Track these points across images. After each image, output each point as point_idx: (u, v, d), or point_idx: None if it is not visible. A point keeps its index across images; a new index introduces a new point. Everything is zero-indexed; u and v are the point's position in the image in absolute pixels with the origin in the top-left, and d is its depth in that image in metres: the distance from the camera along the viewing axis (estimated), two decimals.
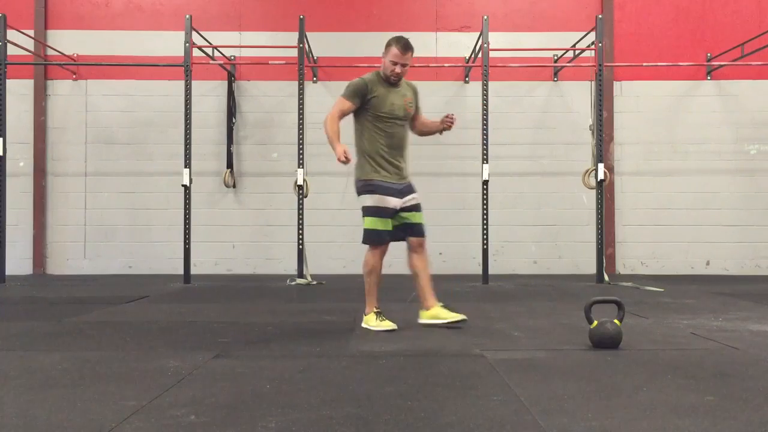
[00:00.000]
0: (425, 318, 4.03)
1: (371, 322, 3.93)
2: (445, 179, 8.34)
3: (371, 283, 3.98)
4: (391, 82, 3.96)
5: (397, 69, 3.91)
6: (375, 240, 3.93)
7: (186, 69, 7.01)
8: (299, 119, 7.11)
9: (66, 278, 7.73)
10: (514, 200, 8.36)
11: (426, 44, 8.45)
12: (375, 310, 3.97)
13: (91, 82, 8.40)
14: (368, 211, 3.92)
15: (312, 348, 3.34)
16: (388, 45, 3.92)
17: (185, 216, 6.99)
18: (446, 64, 8.17)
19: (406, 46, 3.90)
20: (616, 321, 3.32)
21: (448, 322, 3.94)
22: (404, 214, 4.01)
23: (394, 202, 3.93)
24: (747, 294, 5.92)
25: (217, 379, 2.67)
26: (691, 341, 3.54)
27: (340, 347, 3.36)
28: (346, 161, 3.79)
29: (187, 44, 7.03)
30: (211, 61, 7.98)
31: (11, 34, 7.40)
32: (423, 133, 4.33)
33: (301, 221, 7.05)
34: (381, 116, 3.93)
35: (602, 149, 7.21)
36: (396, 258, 8.27)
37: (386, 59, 3.92)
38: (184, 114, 7.03)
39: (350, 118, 4.02)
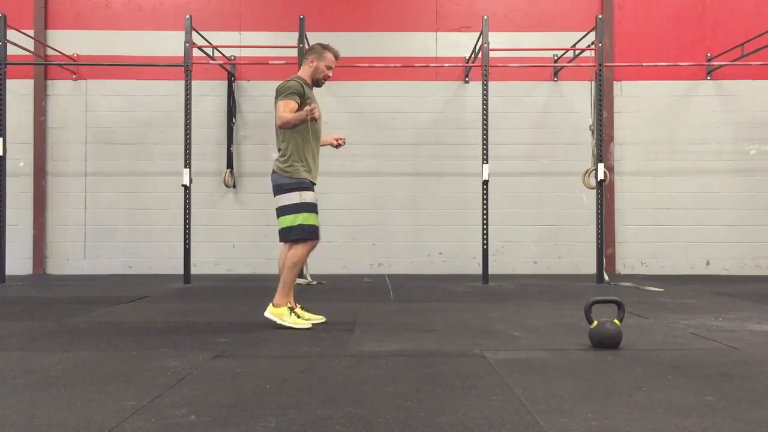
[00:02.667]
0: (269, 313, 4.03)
1: (286, 318, 3.94)
2: (445, 179, 8.35)
3: (294, 277, 4.04)
4: (320, 85, 4.21)
5: (330, 73, 4.20)
6: (315, 234, 4.06)
7: (186, 69, 7.01)
8: None
9: (66, 278, 7.73)
10: (514, 200, 8.36)
11: (426, 44, 8.46)
12: (290, 305, 4.02)
13: (91, 82, 8.40)
14: (307, 207, 4.02)
15: (312, 348, 3.34)
16: (323, 49, 4.16)
17: (185, 216, 6.99)
18: (446, 64, 8.17)
19: (337, 55, 4.23)
20: (616, 321, 3.32)
21: (285, 326, 3.95)
22: None
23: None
24: (747, 294, 5.92)
25: (217, 379, 2.67)
26: (691, 341, 3.54)
27: (340, 347, 3.36)
28: (313, 117, 3.90)
29: (187, 44, 7.03)
30: (211, 61, 7.98)
31: (11, 34, 7.40)
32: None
33: None
34: (314, 119, 4.02)
35: (602, 149, 7.21)
36: (395, 258, 8.30)
37: (320, 63, 4.14)
38: (184, 114, 7.03)
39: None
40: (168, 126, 8.28)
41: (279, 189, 4.07)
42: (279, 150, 4.13)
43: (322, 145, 4.29)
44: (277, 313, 3.98)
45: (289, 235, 4.03)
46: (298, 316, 4.02)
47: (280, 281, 4.03)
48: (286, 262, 4.02)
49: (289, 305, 4.02)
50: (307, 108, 3.91)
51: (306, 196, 4.02)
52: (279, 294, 4.01)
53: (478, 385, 2.57)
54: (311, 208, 4.03)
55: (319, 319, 4.13)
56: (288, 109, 3.97)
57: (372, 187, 8.36)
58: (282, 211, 4.05)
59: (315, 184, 4.14)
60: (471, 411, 2.20)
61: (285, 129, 4.02)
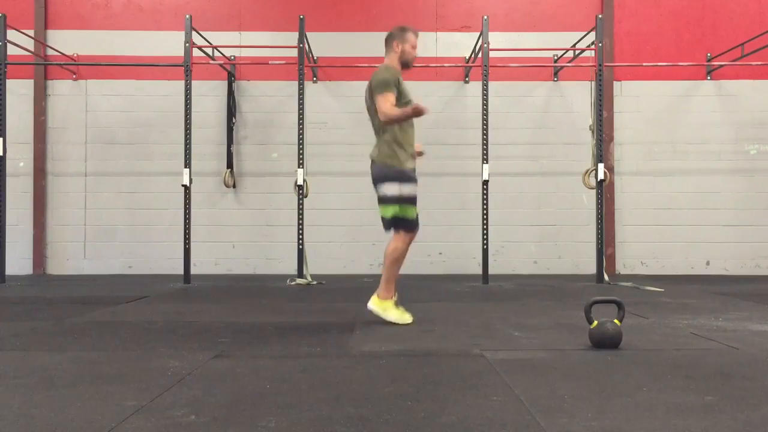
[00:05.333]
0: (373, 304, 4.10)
1: (391, 312, 4.02)
2: (445, 179, 8.34)
3: (396, 271, 4.09)
4: (409, 67, 4.22)
5: (416, 53, 4.25)
6: (416, 227, 4.11)
7: (186, 69, 7.01)
8: (299, 119, 7.11)
9: (66, 278, 7.73)
10: (514, 200, 8.36)
11: (426, 44, 8.44)
12: (395, 299, 4.07)
13: (91, 82, 8.40)
14: (408, 200, 4.05)
15: (312, 348, 3.33)
16: (403, 32, 4.18)
17: (185, 216, 6.99)
18: (446, 64, 8.17)
19: (417, 33, 4.27)
20: (616, 321, 3.32)
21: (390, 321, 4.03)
22: None
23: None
24: (747, 294, 5.92)
25: (217, 379, 2.66)
26: (691, 341, 3.54)
27: (340, 347, 3.36)
28: (420, 112, 3.90)
29: (187, 44, 7.03)
30: (211, 61, 7.98)
31: (11, 34, 7.40)
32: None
33: (301, 221, 7.05)
34: (407, 103, 4.06)
35: (602, 149, 7.21)
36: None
37: (406, 46, 4.17)
38: (184, 114, 7.03)
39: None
40: (168, 126, 8.28)
41: (381, 179, 4.09)
42: (379, 140, 4.13)
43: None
44: (382, 306, 4.05)
45: (389, 225, 4.07)
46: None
47: (383, 274, 4.08)
48: (387, 258, 4.07)
49: (394, 299, 4.05)
50: (412, 105, 3.91)
51: (404, 189, 4.04)
52: (383, 287, 4.06)
53: (478, 385, 2.57)
54: (412, 200, 4.07)
55: (408, 319, 4.11)
56: (389, 102, 3.98)
57: (372, 187, 8.34)
58: (383, 200, 4.08)
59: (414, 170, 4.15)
60: (471, 411, 2.20)
61: (387, 124, 4.02)
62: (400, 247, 4.06)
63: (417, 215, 4.13)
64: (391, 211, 4.04)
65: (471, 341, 3.51)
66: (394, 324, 4.04)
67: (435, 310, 4.86)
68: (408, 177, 4.07)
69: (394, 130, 4.06)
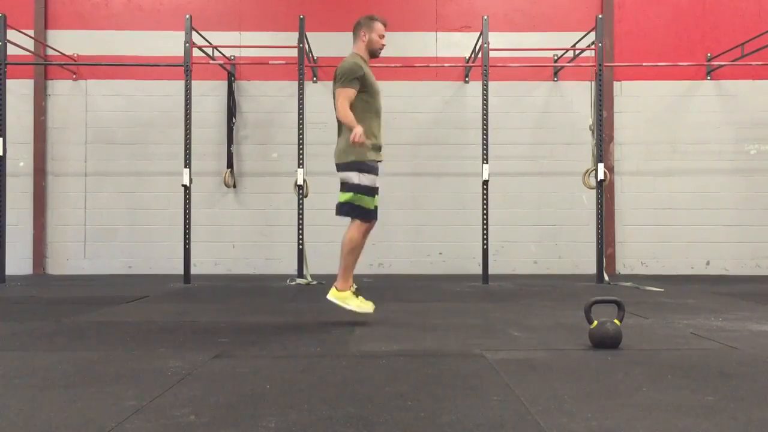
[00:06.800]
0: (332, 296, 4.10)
1: (351, 301, 4.02)
2: (445, 179, 8.35)
3: (353, 260, 4.07)
4: (377, 55, 4.21)
5: (383, 42, 4.22)
6: (372, 215, 4.06)
7: (186, 69, 7.01)
8: (299, 119, 7.11)
9: (66, 278, 7.73)
10: (514, 200, 8.36)
11: (426, 44, 8.46)
12: (353, 289, 4.07)
13: (91, 82, 8.41)
14: (365, 190, 4.02)
15: (312, 348, 3.33)
16: (370, 20, 4.18)
17: (185, 216, 6.99)
18: (446, 64, 8.17)
19: (385, 23, 4.25)
20: (616, 321, 3.32)
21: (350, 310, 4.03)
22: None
23: (377, 183, 4.14)
24: (747, 294, 5.92)
25: (217, 379, 2.66)
26: (691, 341, 3.54)
27: (340, 347, 3.36)
28: (360, 143, 3.88)
29: (187, 44, 7.03)
30: (211, 61, 7.98)
31: (11, 34, 7.40)
32: None
33: (301, 221, 7.05)
34: (372, 92, 4.07)
35: (602, 149, 7.21)
36: (395, 258, 8.30)
37: (373, 35, 4.17)
38: (184, 114, 7.03)
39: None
40: (168, 126, 8.28)
41: (342, 169, 4.07)
42: (340, 135, 4.12)
43: None
44: (341, 296, 4.03)
45: (341, 210, 4.05)
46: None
47: (340, 263, 4.05)
48: (343, 247, 4.04)
49: (352, 289, 4.05)
50: (359, 130, 3.86)
51: (363, 179, 4.01)
52: (341, 278, 4.05)
53: (478, 385, 2.57)
54: (369, 191, 4.03)
55: (370, 307, 4.11)
56: (345, 98, 3.98)
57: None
58: (342, 187, 4.07)
59: (380, 161, 4.14)
60: (471, 411, 2.20)
61: (339, 116, 4.02)
62: (356, 236, 4.02)
63: (375, 207, 4.09)
64: (347, 197, 4.03)
65: (471, 341, 3.51)
66: (396, 323, 4.04)
67: (435, 310, 4.86)
68: (368, 168, 4.04)
69: (360, 118, 4.01)
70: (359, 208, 4.03)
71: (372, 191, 4.06)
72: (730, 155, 8.36)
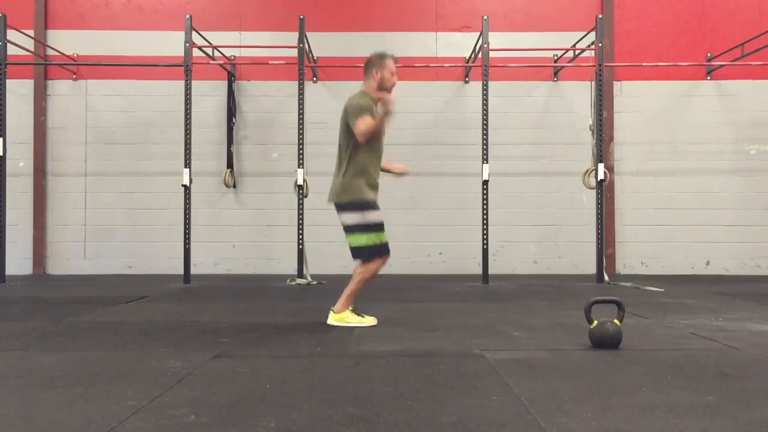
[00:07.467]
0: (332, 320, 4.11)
1: (351, 319, 4.04)
2: (445, 179, 8.34)
3: (361, 290, 4.10)
4: (389, 92, 4.10)
5: (395, 79, 4.15)
6: (386, 251, 4.06)
7: (186, 69, 7.01)
8: (299, 119, 7.11)
9: (66, 278, 7.73)
10: (514, 200, 8.36)
11: (426, 44, 8.46)
12: (351, 308, 4.09)
13: (91, 82, 8.40)
14: (376, 228, 4.00)
15: (312, 348, 3.34)
16: (381, 59, 4.15)
17: (185, 216, 6.99)
18: (446, 64, 8.17)
19: (395, 59, 4.21)
20: (616, 321, 3.32)
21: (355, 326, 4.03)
22: None
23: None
24: (747, 294, 5.92)
25: (217, 379, 2.67)
26: (691, 341, 3.54)
27: (340, 347, 3.36)
28: (389, 110, 3.82)
29: (187, 44, 7.03)
30: (211, 61, 7.98)
31: (11, 34, 7.40)
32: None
33: (301, 221, 7.05)
34: (377, 135, 4.02)
35: (602, 149, 7.21)
36: (395, 258, 8.28)
37: (384, 72, 4.11)
38: (184, 114, 7.03)
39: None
40: (168, 126, 8.28)
41: (342, 209, 4.06)
42: (337, 174, 4.10)
43: (383, 170, 4.25)
44: (340, 318, 4.06)
45: (359, 254, 4.03)
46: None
47: (347, 288, 4.06)
48: (359, 275, 4.02)
49: (351, 308, 4.08)
50: (381, 110, 3.86)
51: (368, 217, 3.99)
52: (341, 302, 4.07)
53: (478, 385, 2.57)
54: (379, 227, 4.01)
55: (372, 321, 4.12)
56: (365, 123, 3.92)
57: None
58: (349, 230, 4.03)
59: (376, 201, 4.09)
60: (471, 411, 2.20)
61: (367, 140, 3.95)
62: (374, 269, 4.03)
63: (387, 242, 4.05)
64: (362, 240, 3.99)
65: (471, 341, 3.51)
66: (396, 323, 4.04)
67: (435, 310, 4.86)
68: (370, 206, 4.01)
69: (362, 159, 4.00)
70: (374, 247, 4.00)
71: (380, 227, 4.03)
72: (730, 155, 8.36)
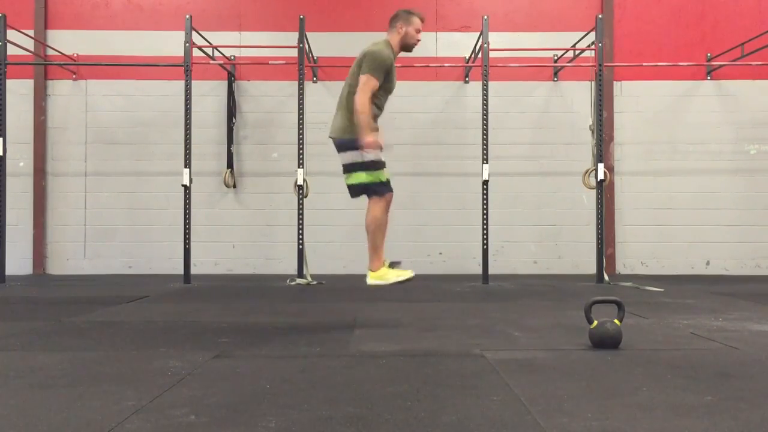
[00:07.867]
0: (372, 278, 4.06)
1: (389, 274, 3.96)
2: (445, 179, 8.34)
3: (381, 238, 4.00)
4: (410, 50, 4.15)
5: (419, 37, 4.14)
6: (388, 188, 4.01)
7: (186, 69, 7.01)
8: (299, 119, 7.11)
9: (66, 278, 7.73)
10: (514, 200, 8.36)
11: (426, 44, 8.42)
12: (386, 264, 4.01)
13: (91, 82, 8.41)
14: (375, 165, 3.96)
15: (312, 348, 3.33)
16: (408, 14, 4.09)
17: (185, 216, 6.99)
18: (446, 64, 8.17)
19: (423, 18, 4.15)
20: (616, 321, 3.32)
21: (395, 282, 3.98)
22: None
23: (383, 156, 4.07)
24: (747, 294, 5.92)
25: (217, 379, 2.66)
26: (691, 341, 3.54)
27: (340, 347, 3.36)
28: (376, 149, 3.81)
29: (187, 44, 7.03)
30: (211, 61, 7.98)
31: (11, 34, 7.40)
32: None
33: (301, 221, 7.05)
34: (386, 89, 4.02)
35: (602, 149, 7.21)
36: (395, 258, 8.28)
37: (410, 28, 4.08)
38: (184, 114, 7.03)
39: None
40: (168, 126, 8.28)
41: (342, 147, 4.01)
42: (339, 110, 4.06)
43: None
44: (378, 275, 4.00)
45: (355, 191, 4.01)
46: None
47: (368, 245, 4.01)
48: (368, 229, 4.00)
49: (386, 264, 4.01)
50: (371, 140, 3.84)
51: (368, 154, 3.93)
52: (373, 259, 4.01)
53: (478, 385, 2.56)
54: (379, 165, 3.96)
55: (409, 273, 4.04)
56: (370, 89, 3.88)
57: None
58: (347, 168, 4.01)
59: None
60: (471, 411, 2.20)
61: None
62: (378, 214, 3.98)
63: (388, 179, 4.02)
64: (360, 178, 3.97)
65: (471, 341, 3.51)
66: (396, 323, 4.03)
67: (435, 310, 4.86)
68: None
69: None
70: (372, 185, 3.98)
71: (380, 164, 3.98)
72: (730, 155, 8.36)
